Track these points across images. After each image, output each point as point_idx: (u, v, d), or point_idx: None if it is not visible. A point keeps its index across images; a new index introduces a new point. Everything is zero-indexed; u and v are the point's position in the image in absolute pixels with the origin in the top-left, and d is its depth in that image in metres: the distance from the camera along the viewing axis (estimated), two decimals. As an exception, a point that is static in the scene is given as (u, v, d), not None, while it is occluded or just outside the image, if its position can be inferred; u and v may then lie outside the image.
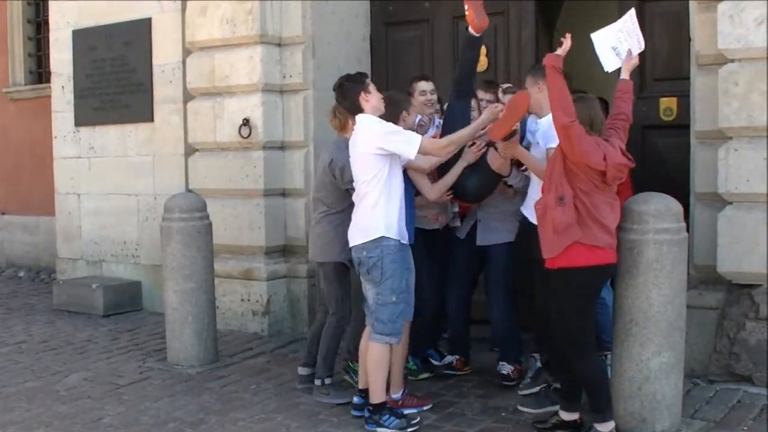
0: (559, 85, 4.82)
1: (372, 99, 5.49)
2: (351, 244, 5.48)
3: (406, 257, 5.48)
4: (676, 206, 5.02)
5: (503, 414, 5.60)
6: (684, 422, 5.17)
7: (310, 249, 6.19)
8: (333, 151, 5.88)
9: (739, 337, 5.83)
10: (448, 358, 6.51)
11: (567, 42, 5.09)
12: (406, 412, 5.58)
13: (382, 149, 5.27)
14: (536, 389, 5.83)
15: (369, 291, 5.47)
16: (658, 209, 4.90)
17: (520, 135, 5.55)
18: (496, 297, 6.26)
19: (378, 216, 5.31)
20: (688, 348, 5.41)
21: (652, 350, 4.90)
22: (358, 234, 5.41)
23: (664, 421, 4.97)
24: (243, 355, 7.23)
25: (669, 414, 4.99)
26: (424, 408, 5.71)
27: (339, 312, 5.99)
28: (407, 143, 5.28)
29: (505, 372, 6.21)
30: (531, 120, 5.79)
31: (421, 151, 5.33)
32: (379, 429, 5.35)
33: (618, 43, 5.39)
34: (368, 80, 5.59)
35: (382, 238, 5.30)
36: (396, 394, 5.68)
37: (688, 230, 5.23)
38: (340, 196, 5.82)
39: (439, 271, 6.36)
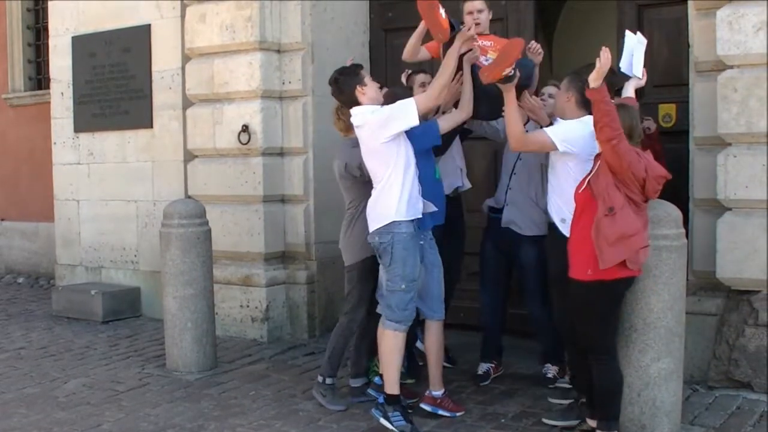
0: (606, 105, 4.71)
1: (368, 91, 5.51)
2: (369, 230, 5.49)
3: (418, 247, 5.44)
4: (675, 212, 5.03)
5: (502, 420, 5.59)
6: (683, 428, 5.17)
7: (344, 256, 6.11)
8: (343, 154, 5.87)
9: (738, 344, 5.83)
10: (483, 367, 6.48)
11: (605, 57, 4.89)
12: (440, 412, 5.63)
13: (389, 137, 5.29)
14: (566, 402, 5.76)
15: (382, 276, 5.51)
16: (657, 215, 4.90)
17: (520, 80, 5.45)
18: (533, 298, 6.26)
19: (391, 201, 5.33)
20: (688, 354, 5.41)
21: (652, 356, 4.90)
22: (373, 221, 5.45)
23: (664, 428, 4.96)
24: (242, 362, 7.22)
25: (668, 420, 4.98)
26: (458, 414, 5.69)
27: (350, 314, 5.98)
28: (405, 116, 5.27)
29: (550, 375, 6.25)
30: None
31: (421, 111, 5.31)
32: (382, 420, 5.36)
33: (638, 55, 5.45)
34: (363, 72, 5.60)
35: (393, 223, 5.32)
36: (437, 392, 5.69)
37: (687, 236, 5.23)
38: (361, 190, 5.81)
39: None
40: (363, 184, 5.76)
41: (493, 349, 6.55)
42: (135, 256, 9.15)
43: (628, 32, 5.60)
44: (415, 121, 5.29)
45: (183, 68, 8.50)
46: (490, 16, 6.25)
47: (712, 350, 6.00)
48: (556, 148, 5.24)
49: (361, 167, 5.67)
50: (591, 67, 4.88)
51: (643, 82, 5.54)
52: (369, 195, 5.63)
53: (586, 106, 5.33)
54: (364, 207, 5.68)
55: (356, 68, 5.66)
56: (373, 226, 5.44)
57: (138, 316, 9.07)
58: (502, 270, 6.47)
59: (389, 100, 5.62)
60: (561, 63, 11.64)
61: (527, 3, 7.65)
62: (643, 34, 7.01)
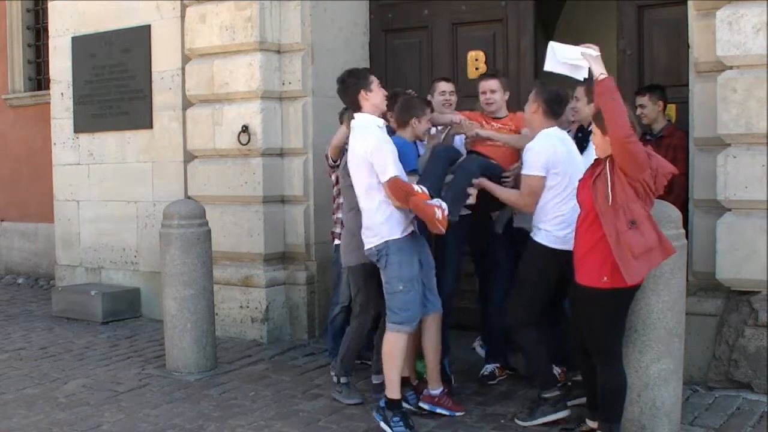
0: (614, 99, 4.64)
1: (373, 97, 5.48)
2: (365, 248, 5.51)
3: (414, 248, 5.45)
4: (674, 213, 5.02)
5: (502, 421, 5.59)
6: (683, 429, 5.17)
7: (342, 259, 6.19)
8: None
9: (738, 344, 5.83)
10: (489, 367, 6.47)
11: (591, 49, 4.81)
12: (439, 411, 5.63)
13: (368, 158, 5.32)
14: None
15: (382, 281, 5.50)
16: (656, 216, 4.88)
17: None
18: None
19: (382, 220, 5.34)
20: (687, 355, 5.41)
21: (651, 357, 4.90)
22: (367, 239, 5.47)
23: (664, 428, 4.96)
24: (242, 362, 7.22)
25: (668, 421, 4.98)
26: (456, 414, 5.69)
27: (359, 317, 6.02)
28: (383, 170, 5.27)
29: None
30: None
31: (386, 187, 5.28)
32: (382, 424, 5.36)
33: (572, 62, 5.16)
34: (372, 77, 5.54)
35: (388, 241, 5.35)
36: (435, 390, 5.69)
37: (687, 237, 5.23)
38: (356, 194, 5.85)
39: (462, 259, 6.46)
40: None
41: (500, 350, 6.54)
42: (135, 256, 9.15)
43: (552, 44, 5.08)
44: (380, 179, 5.27)
45: (183, 69, 8.49)
46: (507, 96, 6.34)
47: (711, 351, 6.00)
48: (543, 177, 5.43)
49: None
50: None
51: (594, 53, 4.96)
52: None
53: (553, 116, 5.48)
54: (358, 211, 5.76)
55: (365, 72, 5.63)
56: (368, 244, 5.47)
57: (138, 317, 9.07)
58: (514, 271, 6.41)
59: (401, 106, 5.76)
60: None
61: (527, 4, 7.65)
62: (643, 34, 7.05)
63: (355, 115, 5.52)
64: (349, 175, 5.74)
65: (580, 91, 5.89)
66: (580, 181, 4.99)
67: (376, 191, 5.35)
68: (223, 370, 6.96)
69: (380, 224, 5.36)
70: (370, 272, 5.81)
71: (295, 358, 7.34)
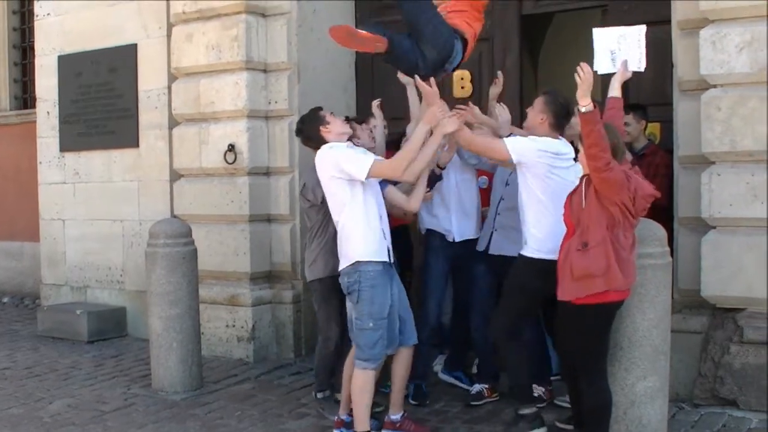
0: (598, 130, 4.61)
1: (333, 128, 5.56)
2: (339, 268, 5.48)
3: (387, 281, 5.40)
4: (659, 231, 5.04)
5: (489, 440, 5.60)
6: (670, 447, 5.17)
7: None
8: (306, 176, 6.02)
9: (723, 361, 5.84)
10: (476, 387, 6.44)
11: (585, 71, 4.79)
12: None
13: (338, 175, 5.33)
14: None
15: (351, 314, 5.48)
16: (641, 234, 4.91)
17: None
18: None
19: (355, 241, 5.32)
20: (673, 372, 5.41)
21: (637, 375, 4.90)
22: (341, 260, 5.44)
23: (650, 446, 4.96)
24: (228, 382, 7.20)
25: (654, 438, 4.98)
26: None
27: (323, 333, 6.13)
28: (357, 166, 5.28)
29: (535, 394, 6.12)
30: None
31: (374, 174, 5.28)
32: None
33: (617, 49, 5.29)
34: (322, 113, 5.62)
35: (359, 263, 5.29)
36: (395, 416, 5.65)
37: (672, 255, 5.24)
38: (317, 215, 5.92)
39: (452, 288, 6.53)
40: (314, 209, 5.90)
41: (488, 371, 6.52)
42: (121, 275, 9.12)
43: (596, 30, 5.31)
44: (361, 176, 5.26)
45: (169, 88, 8.50)
46: None
47: (697, 368, 6.01)
48: (509, 157, 5.29)
49: (314, 191, 5.79)
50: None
51: (628, 75, 5.33)
52: (322, 219, 5.82)
53: (558, 129, 5.40)
54: (319, 228, 5.89)
55: (314, 111, 5.70)
56: (341, 265, 5.43)
57: (123, 336, 9.03)
58: (495, 292, 6.34)
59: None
60: (546, 83, 11.63)
61: (512, 22, 7.69)
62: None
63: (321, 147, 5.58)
64: (307, 198, 5.92)
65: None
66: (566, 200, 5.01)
67: (347, 213, 5.35)
68: (209, 390, 6.93)
69: (353, 246, 5.33)
70: (328, 289, 5.86)
71: (282, 377, 7.32)
